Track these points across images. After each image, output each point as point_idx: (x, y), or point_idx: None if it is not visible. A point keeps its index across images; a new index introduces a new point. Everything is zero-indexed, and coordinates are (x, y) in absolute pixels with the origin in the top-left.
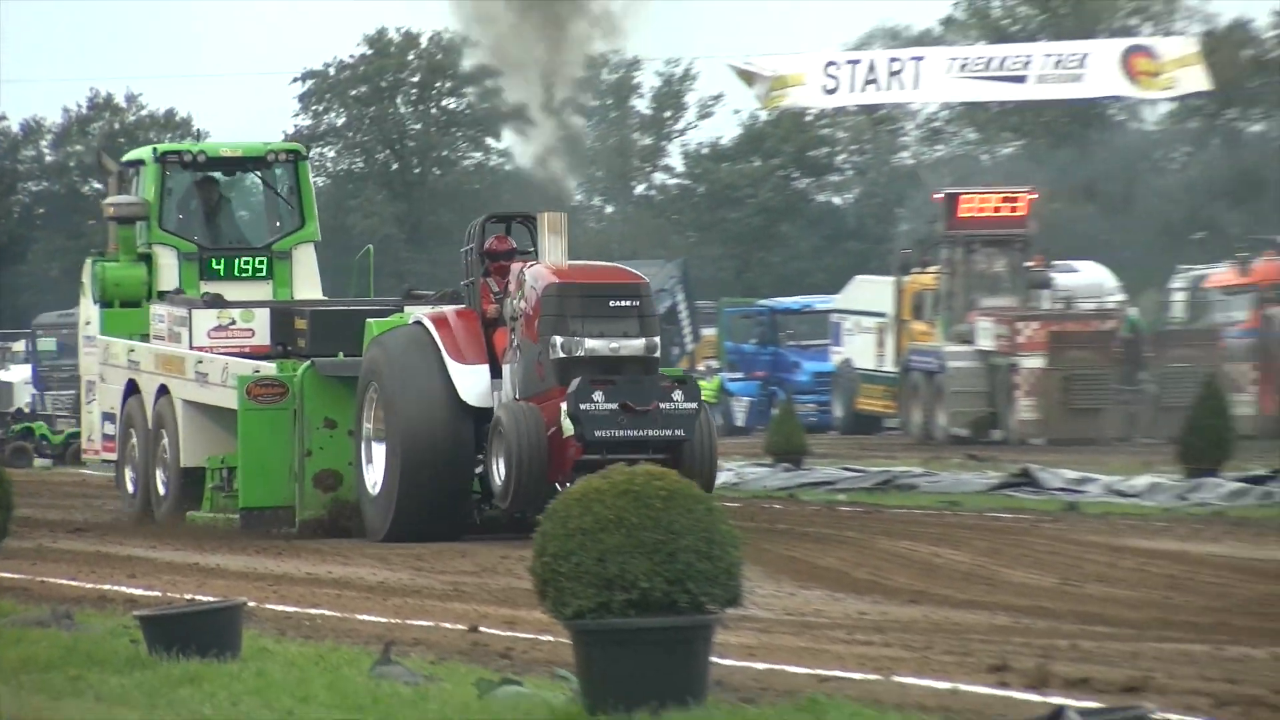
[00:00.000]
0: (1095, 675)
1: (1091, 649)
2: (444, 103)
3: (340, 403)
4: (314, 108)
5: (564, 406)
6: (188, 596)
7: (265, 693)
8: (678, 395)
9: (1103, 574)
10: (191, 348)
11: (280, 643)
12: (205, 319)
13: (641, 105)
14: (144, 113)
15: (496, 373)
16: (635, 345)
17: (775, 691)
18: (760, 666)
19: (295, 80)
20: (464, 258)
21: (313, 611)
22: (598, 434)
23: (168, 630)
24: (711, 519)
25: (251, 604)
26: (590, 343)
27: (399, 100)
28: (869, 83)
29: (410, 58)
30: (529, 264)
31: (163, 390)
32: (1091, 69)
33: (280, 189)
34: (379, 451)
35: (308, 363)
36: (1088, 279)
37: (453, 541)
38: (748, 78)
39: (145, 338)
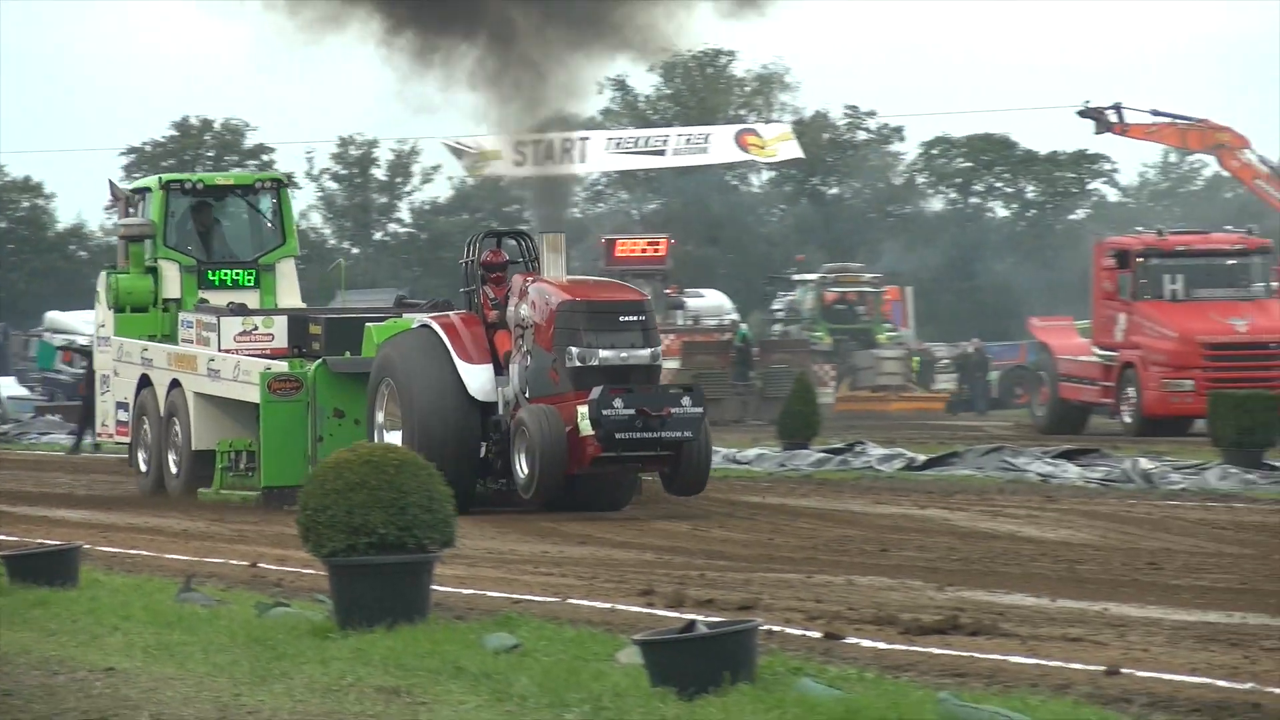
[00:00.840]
0: (718, 597)
1: (715, 578)
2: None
3: (348, 395)
4: (134, 175)
5: (583, 410)
6: (39, 541)
7: (97, 613)
8: (686, 401)
9: (723, 521)
10: (220, 350)
11: (109, 575)
12: (231, 325)
13: (379, 173)
14: (7, 179)
15: (498, 370)
16: (642, 355)
17: (480, 611)
18: (468, 592)
19: (121, 154)
20: (463, 268)
21: (132, 552)
22: (618, 436)
23: (23, 567)
24: (432, 481)
25: (86, 546)
26: (603, 353)
27: (197, 169)
28: (547, 158)
29: (206, 137)
30: (531, 278)
31: (175, 384)
32: (714, 144)
33: (265, 212)
34: (392, 439)
35: (319, 361)
36: (711, 302)
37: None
38: (458, 153)
39: (154, 338)
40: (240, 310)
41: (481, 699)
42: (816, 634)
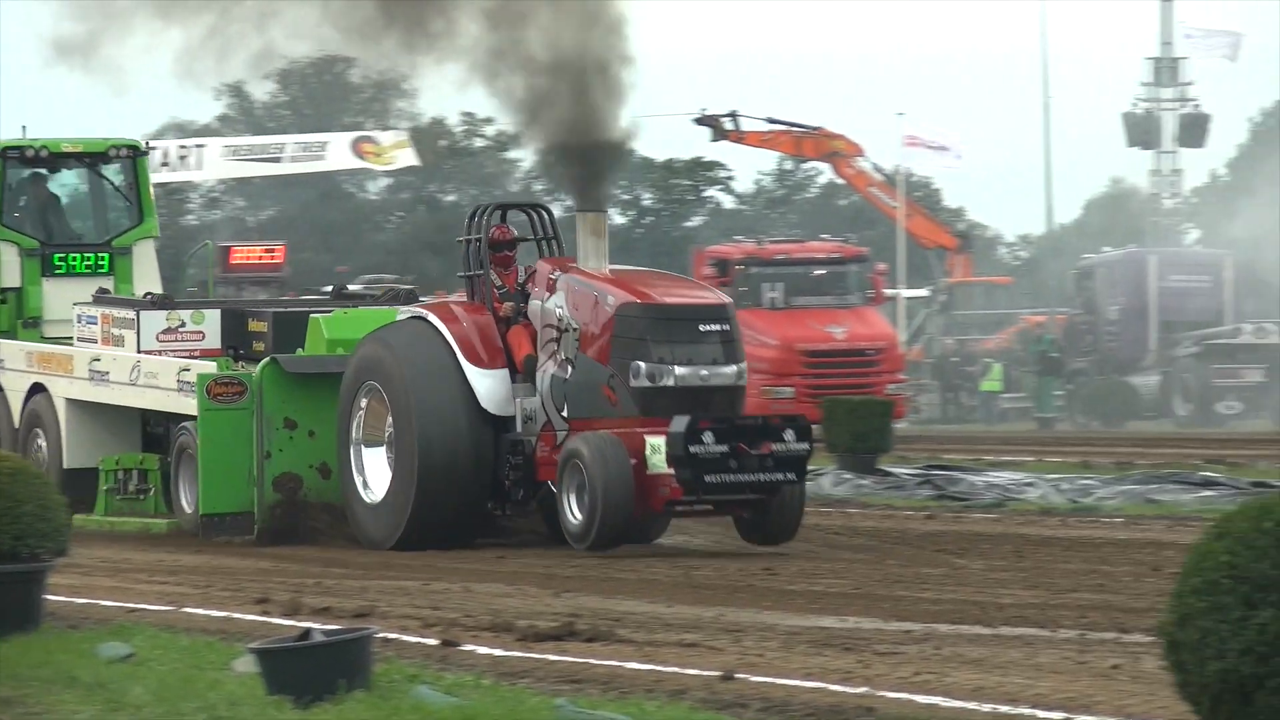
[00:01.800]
0: (335, 605)
1: (332, 585)
2: None
3: (301, 402)
4: None
5: (655, 443)
6: None
7: None
8: (789, 435)
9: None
10: (140, 351)
11: None
12: (154, 321)
13: None
14: None
15: (513, 376)
16: (726, 374)
17: (94, 620)
18: (81, 601)
19: None
20: (465, 248)
21: None
22: (709, 479)
23: None
24: (46, 490)
25: None
26: (680, 371)
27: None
28: (164, 164)
29: None
30: (561, 266)
31: (36, 389)
32: (331, 152)
33: (120, 185)
34: (373, 457)
35: (266, 359)
36: None
37: (463, 548)
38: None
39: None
40: (163, 302)
41: (95, 709)
42: (433, 641)
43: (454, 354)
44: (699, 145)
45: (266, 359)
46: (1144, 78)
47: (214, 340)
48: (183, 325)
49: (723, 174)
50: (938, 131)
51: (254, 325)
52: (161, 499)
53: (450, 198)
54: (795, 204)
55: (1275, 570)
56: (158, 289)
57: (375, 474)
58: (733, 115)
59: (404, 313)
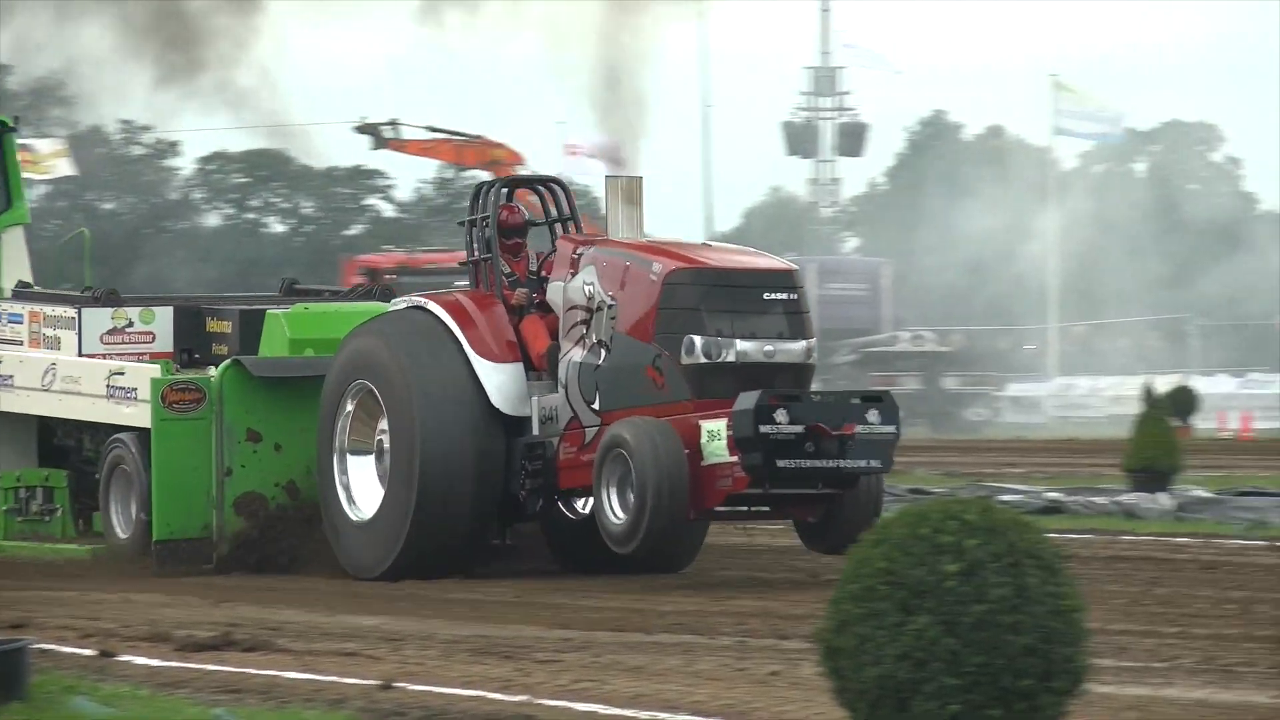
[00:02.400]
0: None
1: None
2: None
3: (266, 411)
4: None
5: (712, 427)
6: None
7: None
8: (873, 416)
9: None
10: (81, 355)
11: None
12: (98, 320)
13: None
14: None
15: (529, 371)
16: (794, 349)
17: None
18: None
19: None
20: (470, 231)
21: None
22: (781, 464)
23: None
24: None
25: None
26: (742, 345)
27: None
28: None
29: None
30: (586, 240)
31: None
32: None
33: None
34: (360, 469)
35: (228, 361)
36: None
37: (464, 578)
38: None
39: None
40: (110, 299)
41: None
42: (90, 652)
43: (461, 347)
44: (359, 153)
45: (227, 361)
46: (803, 87)
47: (165, 342)
48: (130, 325)
49: (383, 182)
50: (599, 139)
51: (214, 325)
52: (70, 521)
53: (108, 205)
54: (457, 212)
55: (931, 576)
56: (29, 280)
57: (363, 488)
58: (393, 123)
59: (398, 303)
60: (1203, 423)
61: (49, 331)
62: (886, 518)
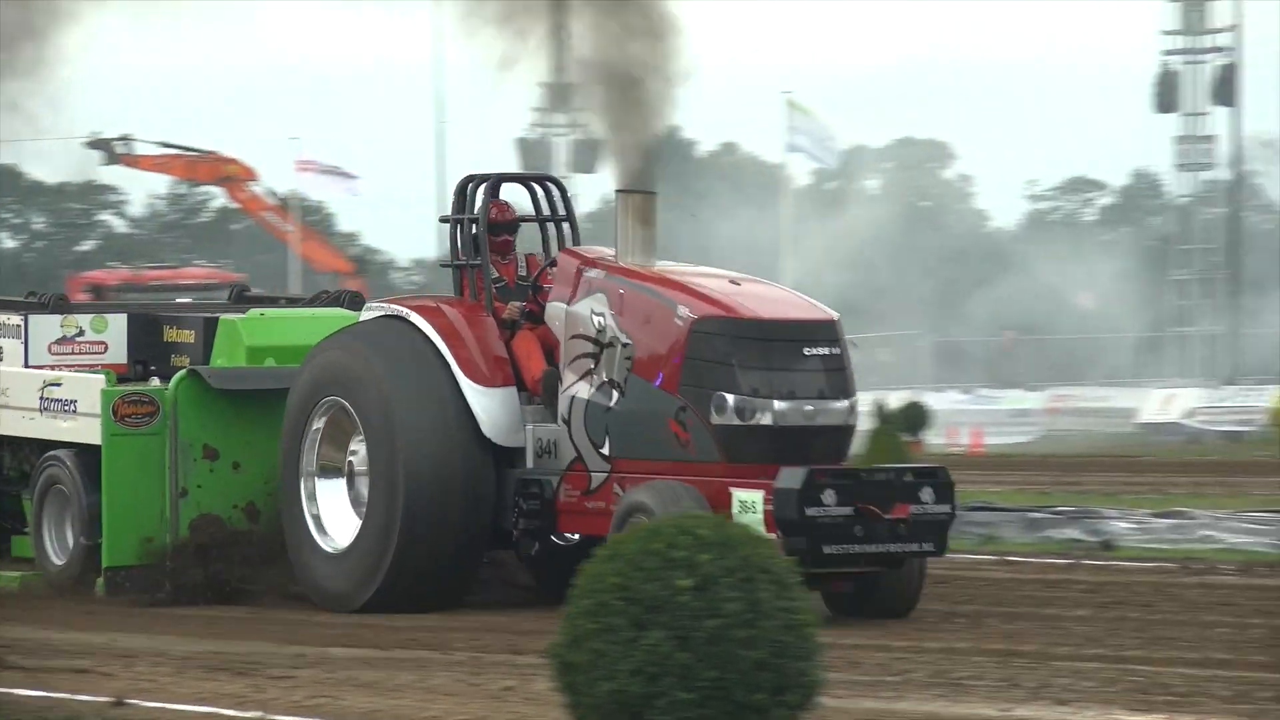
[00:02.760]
0: None
1: None
2: None
3: (223, 426)
4: None
5: (744, 499)
6: None
7: None
8: (926, 495)
9: None
10: (28, 365)
11: None
12: (46, 328)
13: None
14: None
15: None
16: (836, 410)
17: None
18: None
19: None
20: (455, 231)
21: None
22: (828, 551)
23: None
24: None
25: None
26: (780, 405)
27: None
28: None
29: None
30: (594, 262)
31: None
32: None
33: None
34: (330, 493)
35: (182, 372)
36: None
37: (449, 610)
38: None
39: None
40: (60, 305)
41: None
42: None
43: (446, 365)
44: (91, 168)
45: (181, 371)
46: (537, 104)
47: (119, 353)
48: (80, 333)
49: (115, 198)
50: (334, 157)
51: (173, 334)
52: None
53: None
54: (190, 228)
55: (664, 591)
56: None
57: (334, 514)
58: (125, 139)
59: (371, 310)
60: (934, 438)
61: None
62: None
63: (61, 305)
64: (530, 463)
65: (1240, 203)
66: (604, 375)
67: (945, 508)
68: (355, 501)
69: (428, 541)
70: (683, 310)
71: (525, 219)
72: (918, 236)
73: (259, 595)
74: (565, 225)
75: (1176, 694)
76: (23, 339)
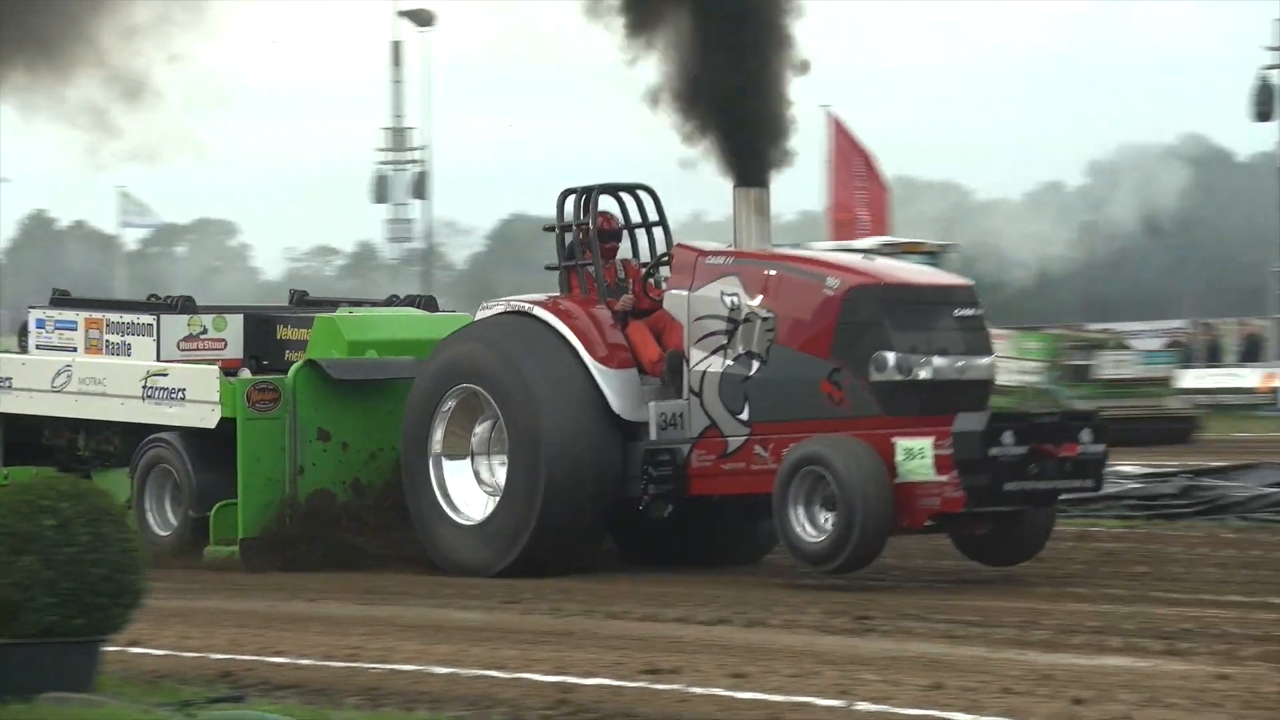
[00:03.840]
0: None
1: None
2: None
3: (335, 411)
4: None
5: (910, 446)
6: None
7: None
8: (1086, 436)
9: None
10: (159, 359)
11: None
12: (175, 326)
13: None
14: None
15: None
16: (982, 365)
17: None
18: None
19: None
20: (563, 237)
21: None
22: (1008, 487)
23: None
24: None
25: None
26: (938, 362)
27: None
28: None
29: None
30: (733, 251)
31: None
32: None
33: None
34: (457, 473)
35: (299, 363)
36: None
37: (584, 574)
38: None
39: None
40: (188, 306)
41: None
42: None
43: (575, 353)
44: None
45: (299, 361)
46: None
47: (235, 349)
48: (204, 331)
49: None
50: None
51: (285, 333)
52: None
53: None
54: None
55: (34, 528)
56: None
57: (462, 492)
58: None
59: (491, 307)
60: None
61: (115, 339)
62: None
63: (188, 306)
64: (654, 435)
65: (430, 265)
66: (740, 348)
67: (1101, 447)
68: (480, 480)
69: (567, 511)
70: (833, 281)
71: (627, 227)
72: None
73: (372, 561)
74: (657, 230)
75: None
76: (155, 336)
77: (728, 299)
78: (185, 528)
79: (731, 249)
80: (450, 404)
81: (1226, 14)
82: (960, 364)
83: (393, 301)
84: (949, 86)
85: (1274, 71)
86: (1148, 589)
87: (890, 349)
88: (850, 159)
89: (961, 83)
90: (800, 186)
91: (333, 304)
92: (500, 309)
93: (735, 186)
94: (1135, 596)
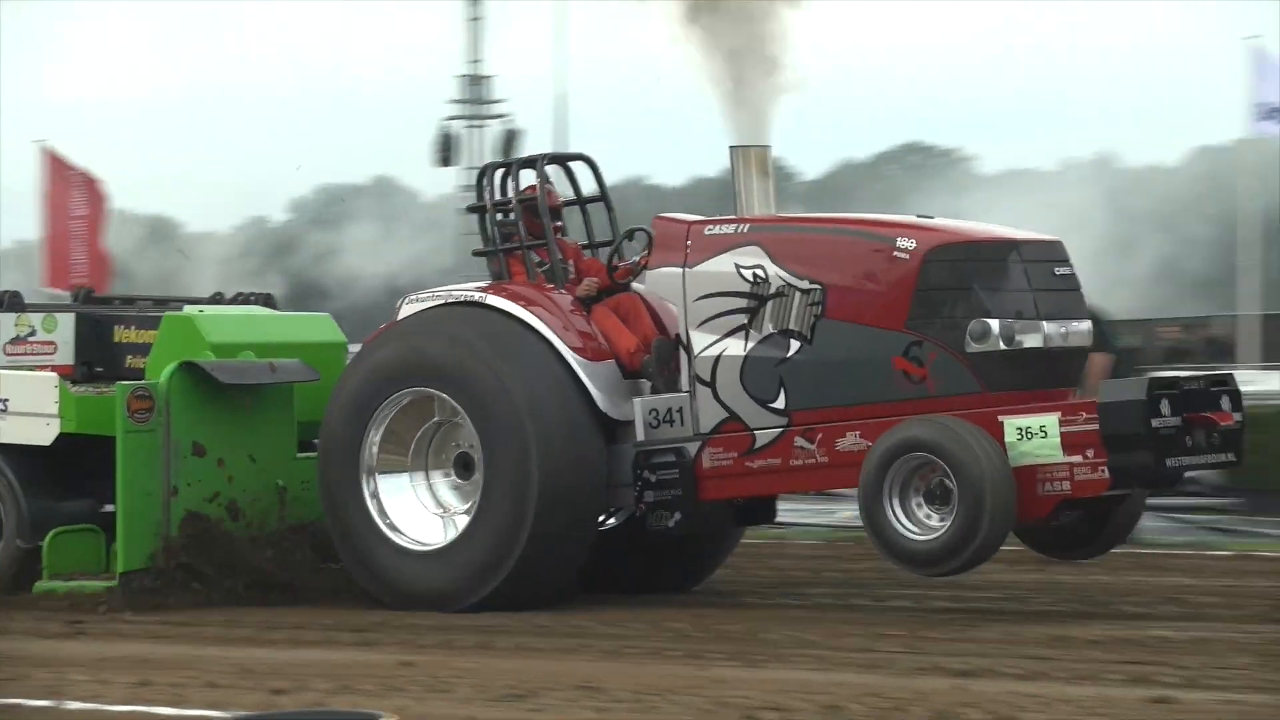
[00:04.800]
0: None
1: None
2: None
3: (208, 422)
4: None
5: (1023, 425)
6: None
7: None
8: (1226, 404)
9: None
10: None
11: None
12: (2, 327)
13: None
14: None
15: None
16: (1084, 331)
17: None
18: None
19: None
20: (492, 217)
21: None
22: (1171, 464)
23: None
24: None
25: None
26: (1049, 328)
27: None
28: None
29: None
30: (748, 219)
31: None
32: None
33: None
34: (394, 490)
35: (175, 363)
36: None
37: (560, 607)
38: None
39: None
40: (13, 302)
41: None
42: None
43: (550, 346)
44: None
45: (174, 363)
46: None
47: (67, 354)
48: (33, 333)
49: None
50: None
51: (125, 335)
52: None
53: None
54: None
55: None
56: None
57: (404, 513)
58: None
59: (422, 300)
60: None
61: None
62: None
63: (15, 303)
64: (641, 434)
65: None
66: (770, 327)
67: (1239, 415)
68: (422, 499)
69: (562, 529)
70: (904, 243)
71: (571, 203)
72: None
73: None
74: (602, 204)
75: None
76: None
77: (749, 272)
78: (10, 560)
79: (742, 216)
80: (390, 412)
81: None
82: (1065, 330)
83: (217, 300)
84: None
85: (456, 122)
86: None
87: (989, 315)
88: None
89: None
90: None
91: (128, 301)
92: (436, 301)
93: (731, 146)
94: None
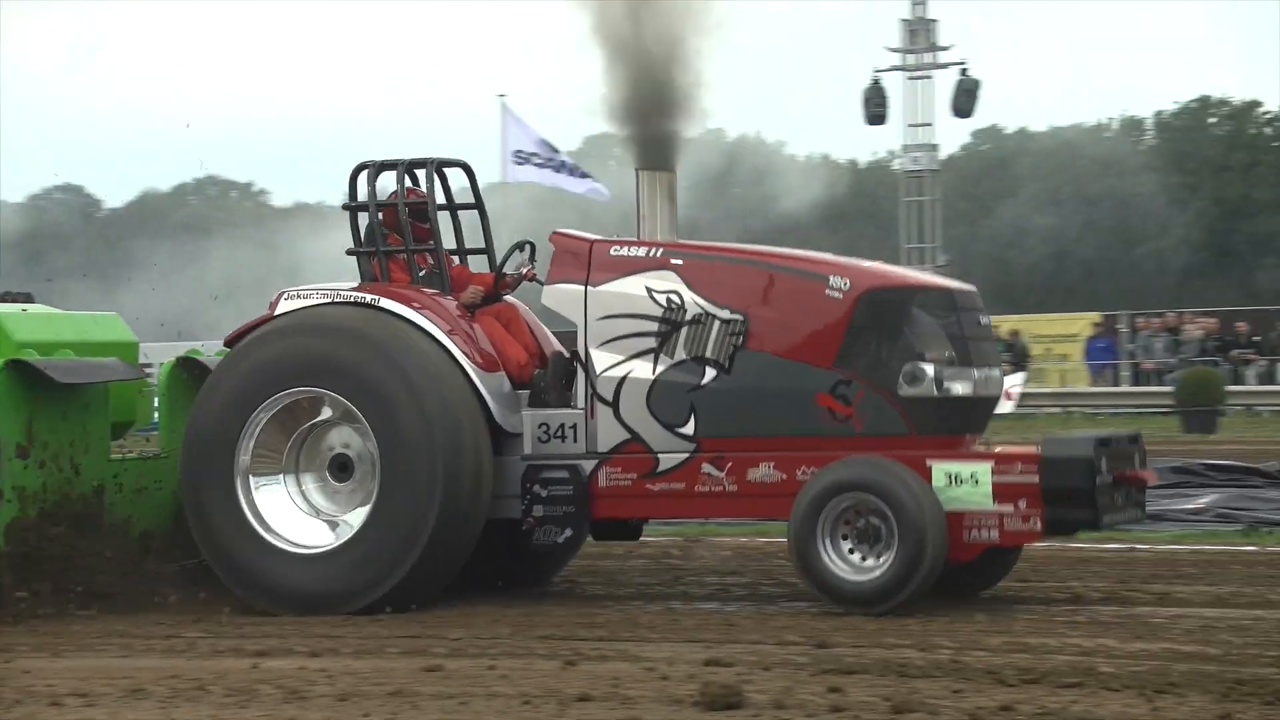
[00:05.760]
0: None
1: None
2: None
3: (30, 423)
4: None
5: (953, 471)
6: None
7: None
8: (1138, 459)
9: None
10: None
11: None
12: None
13: None
14: None
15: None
16: (998, 380)
17: None
18: None
19: None
20: (368, 218)
21: None
22: (1107, 520)
23: None
24: None
25: None
26: (977, 374)
27: None
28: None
29: None
30: (661, 243)
31: None
32: None
33: None
34: (271, 492)
35: (2, 361)
36: None
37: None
38: None
39: None
40: None
41: None
42: None
43: (446, 352)
44: None
45: (2, 361)
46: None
47: None
48: None
49: None
50: None
51: None
52: None
53: None
54: None
55: None
56: None
57: (279, 515)
58: None
59: (304, 296)
60: None
61: None
62: None
63: None
64: (529, 448)
65: None
66: (682, 353)
67: (1147, 472)
68: (296, 502)
69: (462, 532)
70: (839, 281)
71: (452, 207)
72: None
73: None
74: (476, 210)
75: None
76: None
77: (661, 296)
78: None
79: (656, 240)
80: (269, 412)
81: None
82: (985, 377)
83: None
84: None
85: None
86: None
87: (923, 359)
88: None
89: None
90: None
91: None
92: (320, 299)
93: (638, 169)
94: None
